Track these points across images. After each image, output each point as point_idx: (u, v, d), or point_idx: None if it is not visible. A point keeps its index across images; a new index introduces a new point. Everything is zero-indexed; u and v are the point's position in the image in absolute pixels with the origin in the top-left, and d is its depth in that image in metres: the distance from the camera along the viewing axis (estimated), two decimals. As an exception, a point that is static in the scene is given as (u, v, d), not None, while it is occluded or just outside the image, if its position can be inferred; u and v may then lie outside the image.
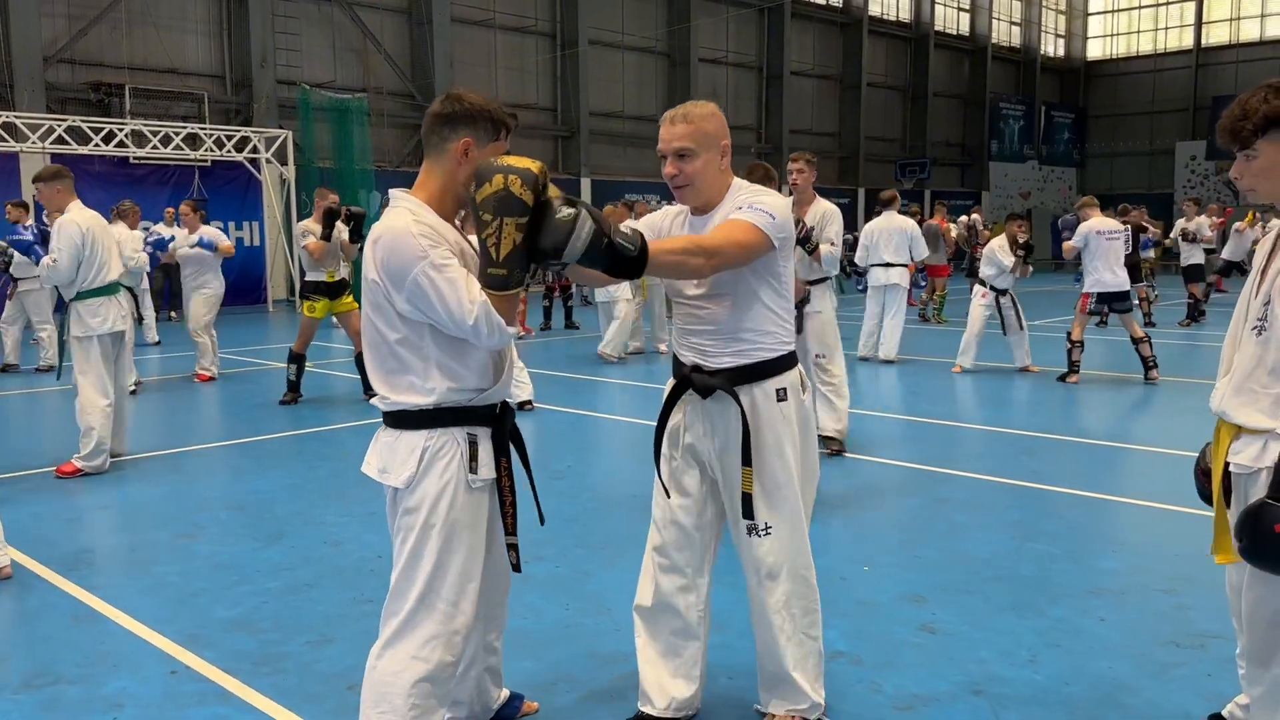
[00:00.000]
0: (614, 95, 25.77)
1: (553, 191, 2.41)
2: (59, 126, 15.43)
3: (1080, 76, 41.19)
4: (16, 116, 15.33)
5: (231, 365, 10.95)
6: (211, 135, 17.19)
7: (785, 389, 2.85)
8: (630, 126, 26.04)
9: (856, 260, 11.72)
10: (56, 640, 3.72)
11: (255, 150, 17.73)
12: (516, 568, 2.74)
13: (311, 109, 19.41)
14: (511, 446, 2.67)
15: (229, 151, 17.39)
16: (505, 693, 3.04)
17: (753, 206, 2.72)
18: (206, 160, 17.40)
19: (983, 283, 10.36)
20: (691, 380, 2.85)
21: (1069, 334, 9.60)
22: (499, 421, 2.60)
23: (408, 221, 2.42)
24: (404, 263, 2.37)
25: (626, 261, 2.48)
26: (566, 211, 2.37)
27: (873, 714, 3.12)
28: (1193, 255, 15.10)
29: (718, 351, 2.84)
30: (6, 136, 15.03)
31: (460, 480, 2.50)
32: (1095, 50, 41.52)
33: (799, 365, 2.95)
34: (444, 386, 2.48)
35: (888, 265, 11.06)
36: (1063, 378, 9.49)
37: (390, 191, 2.59)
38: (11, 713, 3.15)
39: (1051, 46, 40.61)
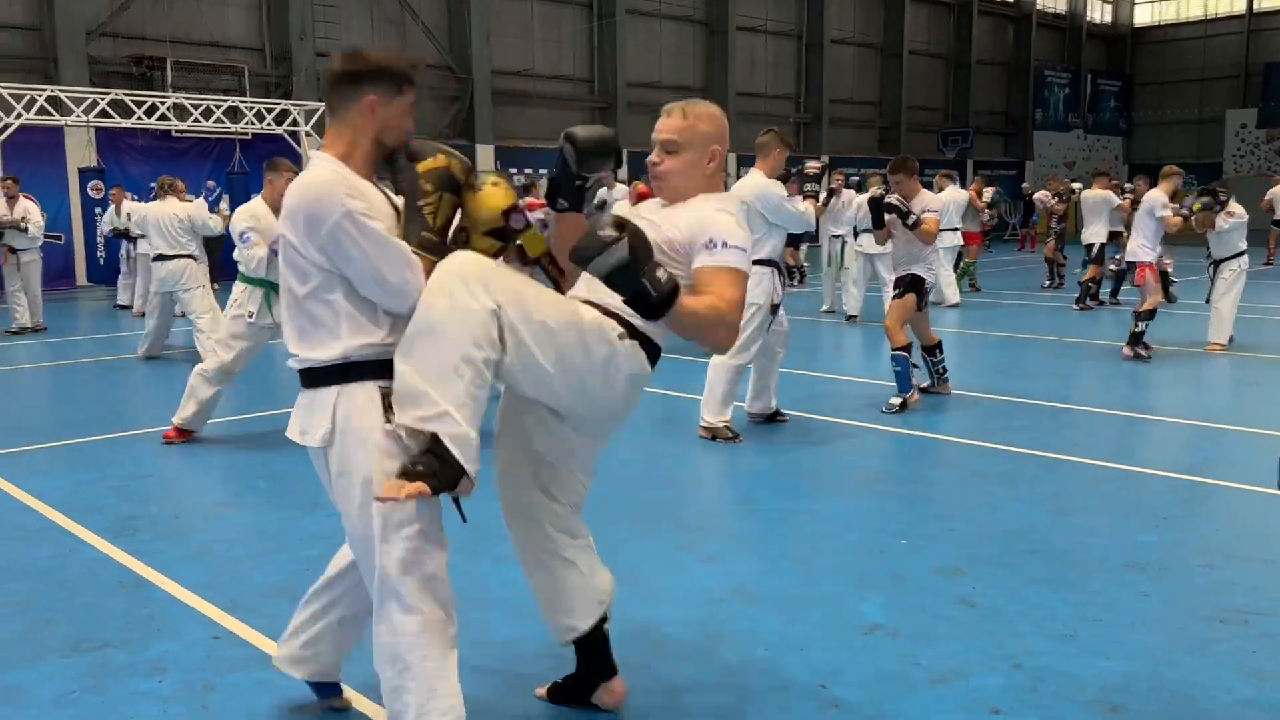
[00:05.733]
0: (651, 65, 25.59)
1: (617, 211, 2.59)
2: (102, 100, 15.61)
3: (1127, 43, 40.32)
4: (61, 90, 15.53)
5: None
6: (252, 108, 17.30)
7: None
8: (668, 97, 25.34)
9: None
10: (103, 605, 3.80)
11: (295, 123, 17.83)
12: (463, 517, 2.65)
13: (350, 82, 19.47)
14: None
15: (269, 124, 17.51)
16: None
17: (726, 244, 2.61)
18: (247, 133, 17.53)
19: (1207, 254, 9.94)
20: None
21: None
22: None
23: (327, 173, 2.42)
24: (321, 211, 2.35)
25: (647, 303, 2.40)
26: (610, 233, 2.34)
27: (910, 687, 3.11)
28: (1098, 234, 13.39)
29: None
30: (51, 110, 15.23)
31: (378, 428, 2.44)
32: (1143, 16, 40.60)
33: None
34: (353, 340, 2.45)
35: (954, 229, 12.93)
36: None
37: (311, 152, 2.62)
38: (59, 675, 3.23)
39: (1098, 13, 39.75)
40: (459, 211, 2.58)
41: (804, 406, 7.09)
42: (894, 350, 6.95)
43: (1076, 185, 16.97)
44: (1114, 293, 13.62)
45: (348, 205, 2.34)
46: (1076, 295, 13.22)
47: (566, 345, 2.47)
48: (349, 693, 3.07)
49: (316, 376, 2.49)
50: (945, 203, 12.95)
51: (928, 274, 7.16)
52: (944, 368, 7.50)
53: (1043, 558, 4.20)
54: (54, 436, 6.52)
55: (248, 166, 17.49)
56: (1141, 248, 9.34)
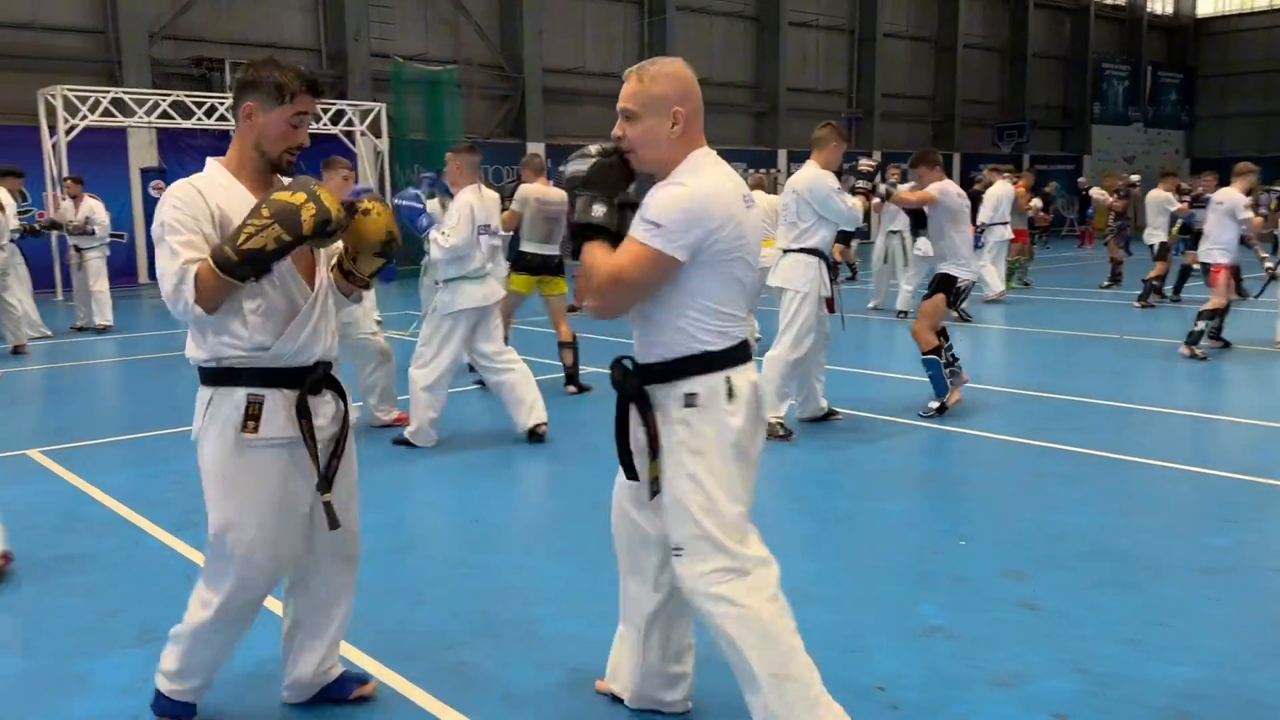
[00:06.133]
0: (702, 62, 25.46)
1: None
2: (164, 101, 15.90)
3: (1189, 34, 39.39)
4: (124, 92, 15.84)
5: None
6: (308, 108, 17.51)
7: (696, 394, 2.53)
8: (718, 93, 25.71)
9: (982, 220, 12.72)
10: (168, 597, 3.85)
11: (350, 123, 18.02)
12: (333, 524, 2.75)
13: (404, 82, 19.65)
14: (340, 404, 2.77)
15: (325, 125, 17.70)
16: (338, 669, 3.04)
17: (643, 217, 2.47)
18: (303, 133, 17.74)
19: None
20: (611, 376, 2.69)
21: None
22: (295, 382, 2.65)
23: (181, 182, 2.60)
24: (156, 213, 2.58)
25: (568, 220, 2.62)
26: (592, 149, 2.62)
27: (970, 690, 3.06)
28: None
29: (640, 345, 2.64)
30: (115, 112, 15.55)
31: (233, 438, 2.60)
32: (1205, 7, 39.63)
33: (737, 368, 2.58)
34: (217, 340, 2.59)
35: (1004, 223, 13.13)
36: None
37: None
38: (126, 666, 3.29)
39: (1159, 3, 38.89)
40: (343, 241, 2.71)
41: (858, 404, 7.03)
42: (924, 354, 6.70)
43: (1135, 178, 16.62)
44: (1177, 289, 13.33)
45: (163, 216, 2.52)
46: (1139, 292, 12.96)
47: (737, 463, 2.56)
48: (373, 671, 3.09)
49: (200, 374, 2.66)
50: (998, 199, 13.07)
51: (960, 271, 6.74)
52: (953, 356, 7.04)
53: (1107, 560, 4.12)
54: (119, 431, 6.66)
55: (304, 165, 17.69)
56: (1218, 250, 9.13)
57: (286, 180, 2.62)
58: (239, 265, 2.44)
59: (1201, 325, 8.85)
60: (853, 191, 6.72)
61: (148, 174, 16.94)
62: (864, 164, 7.14)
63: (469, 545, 4.49)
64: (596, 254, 2.52)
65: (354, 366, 6.46)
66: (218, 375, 2.62)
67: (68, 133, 14.88)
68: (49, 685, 3.18)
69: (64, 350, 10.43)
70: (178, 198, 2.54)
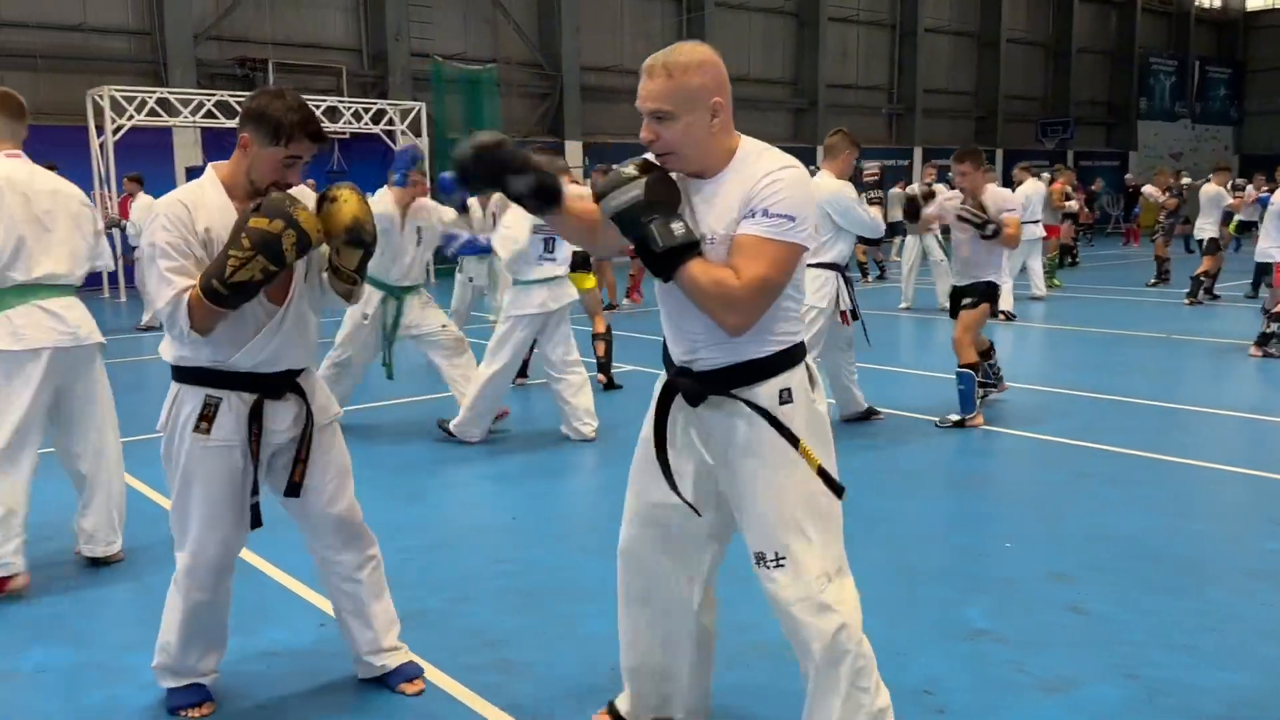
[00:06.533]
0: (741, 59, 25.38)
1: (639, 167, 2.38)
2: (208, 101, 16.11)
3: (1239, 28, 38.64)
4: (170, 92, 16.07)
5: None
6: (349, 108, 17.65)
7: (790, 389, 2.39)
8: (757, 90, 25.61)
9: None
10: (215, 591, 3.91)
11: (391, 123, 18.14)
12: (256, 523, 2.88)
13: (444, 81, 19.77)
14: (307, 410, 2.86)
15: (366, 124, 17.84)
16: (402, 658, 3.11)
17: (768, 212, 2.24)
18: (345, 133, 17.87)
19: None
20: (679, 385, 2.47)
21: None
22: (255, 386, 2.75)
23: (175, 195, 2.67)
24: (145, 231, 2.68)
25: (650, 252, 2.25)
26: (629, 172, 2.33)
27: (1018, 695, 3.03)
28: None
29: (713, 346, 2.39)
30: (161, 111, 15.77)
31: (188, 436, 2.74)
32: (1255, 0, 38.85)
33: (806, 359, 2.48)
34: (182, 349, 2.73)
35: (1036, 221, 12.70)
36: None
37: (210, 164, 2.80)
38: (176, 658, 3.33)
39: (1207, -4, 38.22)
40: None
41: (897, 404, 6.97)
42: (960, 367, 6.34)
43: (1187, 180, 16.38)
44: (1255, 285, 13.08)
45: (154, 237, 2.62)
46: (1188, 289, 12.75)
47: (828, 450, 2.44)
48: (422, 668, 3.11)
49: (173, 371, 2.79)
50: (1028, 197, 12.93)
51: (1001, 279, 6.53)
52: (997, 367, 7.05)
53: (1157, 564, 4.05)
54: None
55: (346, 165, 17.87)
56: (1276, 249, 9.02)
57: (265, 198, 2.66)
58: (229, 297, 2.56)
59: (1272, 327, 8.74)
60: (868, 199, 6.57)
61: (193, 173, 17.08)
62: (869, 171, 6.96)
63: (510, 542, 4.51)
64: (710, 271, 2.25)
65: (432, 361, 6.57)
66: (184, 373, 2.77)
67: (115, 132, 15.12)
68: (99, 676, 3.24)
69: (115, 347, 10.57)
70: (167, 218, 2.61)
